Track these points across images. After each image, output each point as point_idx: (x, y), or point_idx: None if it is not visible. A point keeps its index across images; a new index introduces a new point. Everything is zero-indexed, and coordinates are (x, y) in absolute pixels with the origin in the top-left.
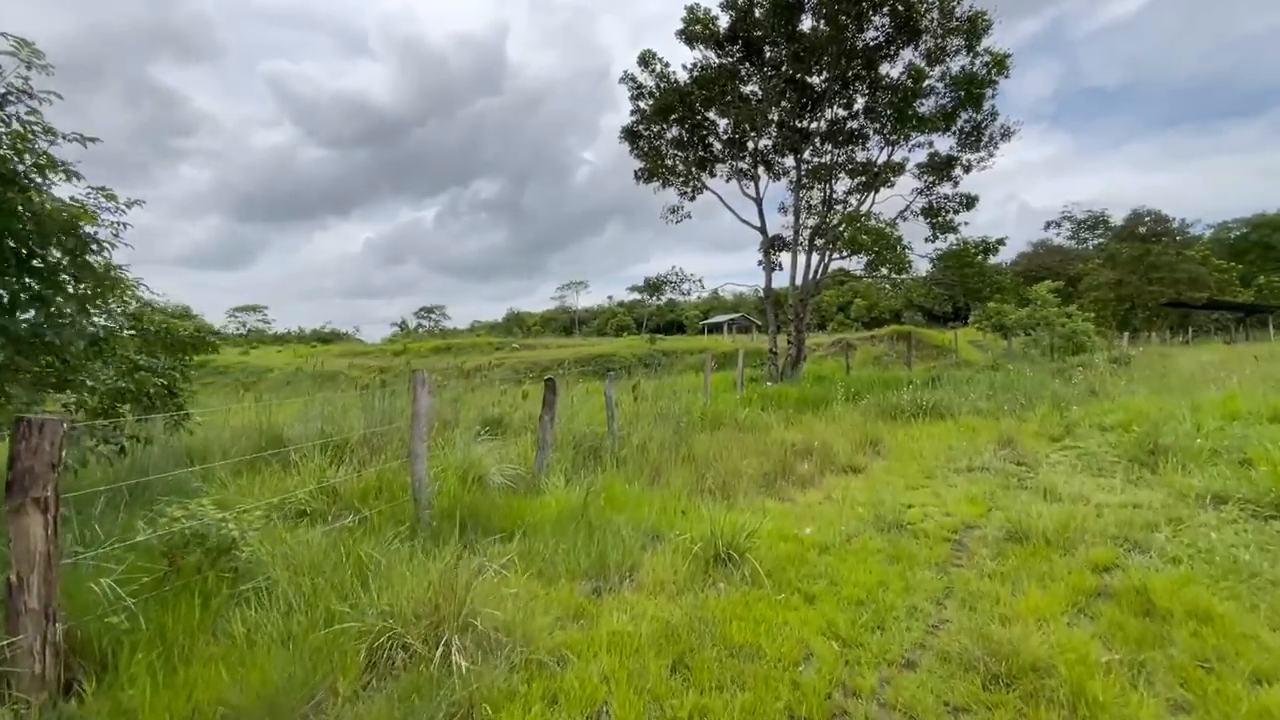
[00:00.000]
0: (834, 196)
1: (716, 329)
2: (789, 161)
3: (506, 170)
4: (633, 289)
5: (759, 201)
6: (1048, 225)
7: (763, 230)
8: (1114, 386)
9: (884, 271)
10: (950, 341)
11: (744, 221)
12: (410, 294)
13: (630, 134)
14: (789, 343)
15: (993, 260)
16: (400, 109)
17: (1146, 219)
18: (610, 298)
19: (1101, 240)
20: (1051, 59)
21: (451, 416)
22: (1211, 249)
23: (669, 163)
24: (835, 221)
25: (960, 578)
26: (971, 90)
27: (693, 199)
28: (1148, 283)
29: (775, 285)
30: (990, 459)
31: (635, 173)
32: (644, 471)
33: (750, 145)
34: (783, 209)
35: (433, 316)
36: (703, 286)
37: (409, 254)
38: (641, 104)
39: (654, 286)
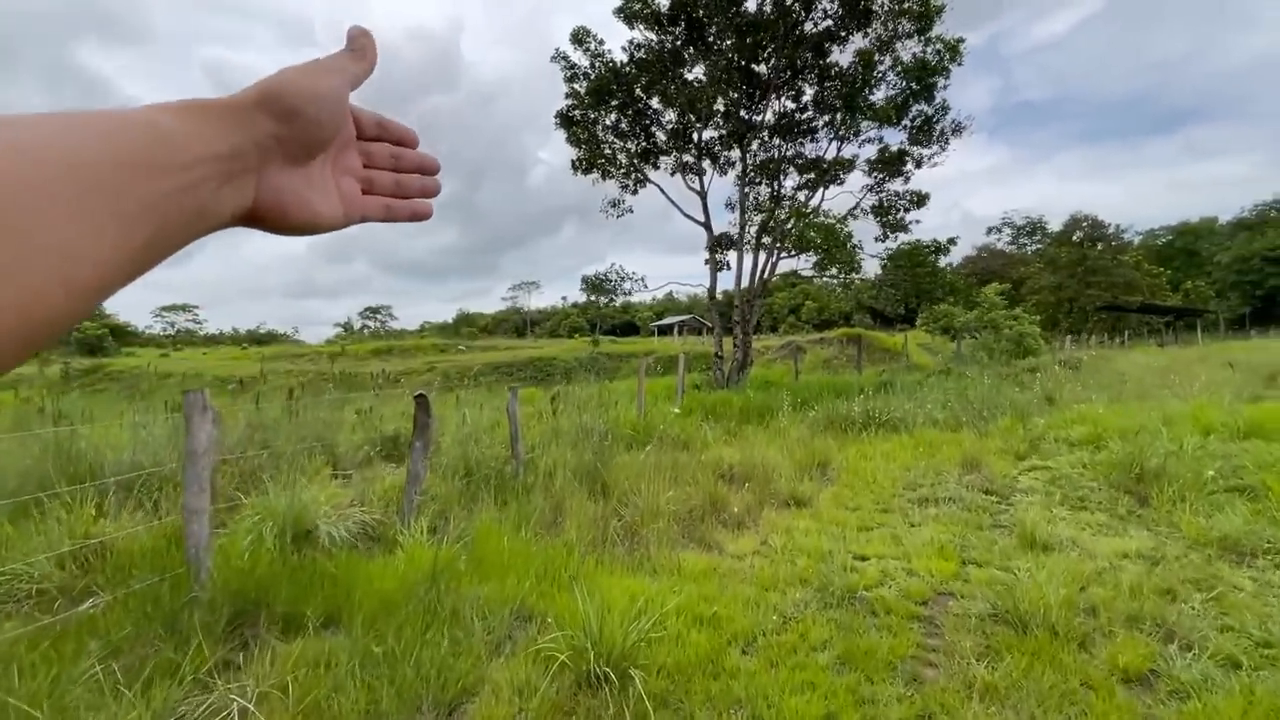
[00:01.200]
0: (782, 193)
1: (668, 330)
2: (735, 154)
3: (461, 168)
4: (583, 289)
5: (703, 196)
6: (989, 231)
7: (707, 227)
8: (1070, 393)
9: (833, 271)
10: (900, 345)
11: (688, 216)
12: (359, 294)
13: (565, 119)
14: (735, 346)
15: (944, 261)
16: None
17: (1084, 224)
18: (564, 298)
19: (1040, 245)
20: (990, 74)
21: (332, 437)
22: (1143, 255)
23: (608, 152)
24: (783, 217)
25: (939, 697)
26: (924, 79)
27: (635, 192)
28: (1086, 286)
29: (723, 286)
30: (955, 486)
31: (572, 162)
32: (544, 509)
33: (695, 136)
34: (729, 205)
35: (379, 317)
36: (645, 286)
37: (357, 253)
38: (576, 86)
39: (594, 286)
